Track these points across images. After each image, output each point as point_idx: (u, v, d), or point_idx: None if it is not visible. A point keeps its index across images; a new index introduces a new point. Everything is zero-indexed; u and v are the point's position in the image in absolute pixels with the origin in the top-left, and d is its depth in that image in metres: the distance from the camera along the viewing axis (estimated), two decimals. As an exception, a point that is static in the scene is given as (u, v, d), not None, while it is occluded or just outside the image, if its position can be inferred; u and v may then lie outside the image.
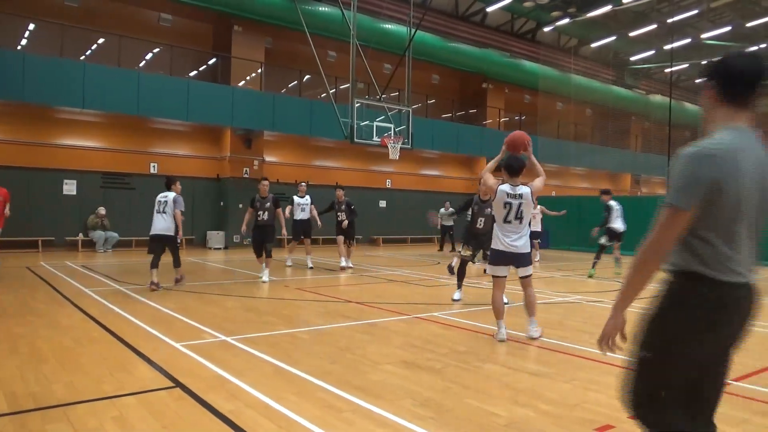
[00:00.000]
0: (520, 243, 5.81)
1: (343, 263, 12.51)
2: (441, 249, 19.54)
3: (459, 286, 8.51)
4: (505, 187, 5.78)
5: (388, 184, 23.41)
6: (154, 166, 18.08)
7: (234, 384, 4.19)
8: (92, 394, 3.92)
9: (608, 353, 2.30)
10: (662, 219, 2.05)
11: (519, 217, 5.76)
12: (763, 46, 29.58)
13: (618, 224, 11.97)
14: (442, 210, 19.63)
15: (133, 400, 3.82)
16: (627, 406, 2.22)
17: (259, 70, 19.63)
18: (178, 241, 9.13)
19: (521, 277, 6.03)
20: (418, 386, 4.25)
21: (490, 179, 6.00)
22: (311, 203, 12.79)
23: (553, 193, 26.74)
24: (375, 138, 16.26)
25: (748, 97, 2.09)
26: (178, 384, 4.17)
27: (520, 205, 5.73)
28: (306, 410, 3.68)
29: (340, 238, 12.70)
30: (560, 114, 29.57)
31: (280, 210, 10.74)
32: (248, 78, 19.60)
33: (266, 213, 10.60)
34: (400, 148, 16.40)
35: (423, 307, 7.84)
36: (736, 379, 4.57)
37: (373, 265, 13.76)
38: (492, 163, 6.15)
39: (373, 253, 18.23)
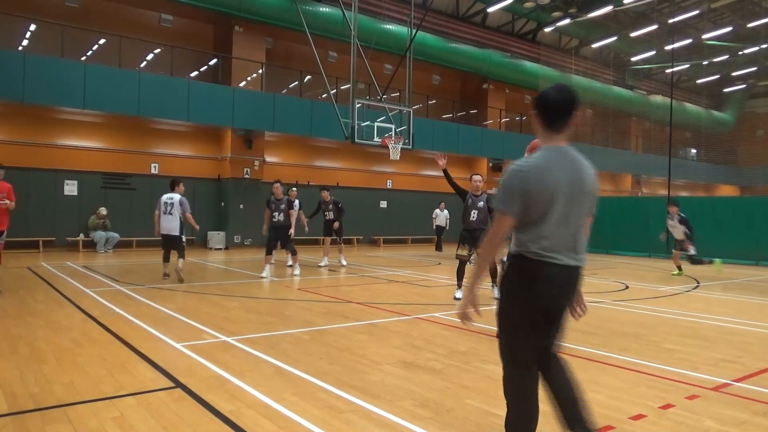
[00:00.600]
0: None
1: (324, 262, 13.20)
2: (439, 249, 19.58)
3: (459, 286, 8.64)
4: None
5: (389, 184, 23.41)
6: (155, 167, 18.10)
7: (234, 384, 4.19)
8: (92, 395, 3.92)
9: (467, 323, 2.98)
10: (495, 221, 2.77)
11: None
12: (764, 46, 29.55)
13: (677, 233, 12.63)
14: (437, 211, 19.70)
15: (133, 401, 3.82)
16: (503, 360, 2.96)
17: (260, 71, 19.64)
18: (183, 240, 10.02)
19: None
20: (418, 386, 4.25)
21: None
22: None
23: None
24: (376, 138, 16.27)
25: (561, 123, 2.77)
26: (178, 384, 4.17)
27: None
28: (306, 411, 3.68)
29: (327, 239, 13.37)
30: (561, 114, 29.52)
31: (292, 211, 11.20)
32: (249, 78, 19.61)
33: (281, 214, 11.08)
34: (401, 148, 16.40)
35: (423, 307, 7.84)
36: (737, 380, 4.57)
37: (373, 266, 13.77)
38: None
39: (374, 253, 18.22)
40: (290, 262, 12.40)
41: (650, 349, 5.62)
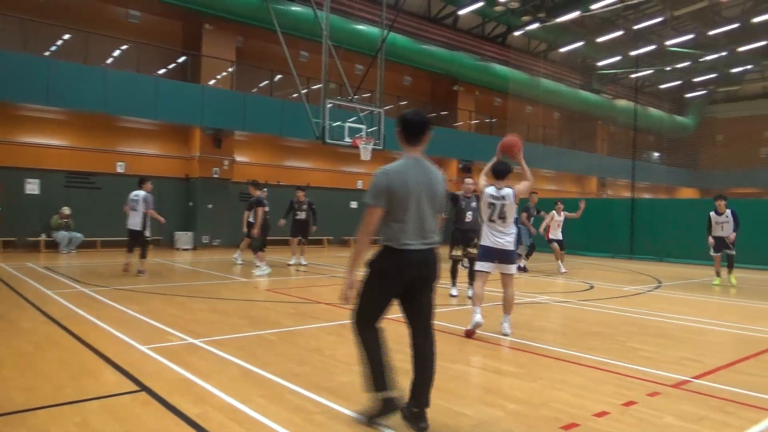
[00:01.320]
0: (506, 240, 6.13)
1: (294, 261, 13.59)
2: None
3: (453, 284, 9.13)
4: (491, 189, 6.20)
5: (360, 185, 23.40)
6: (121, 166, 17.71)
7: (201, 387, 4.14)
8: (53, 400, 3.82)
9: (348, 303, 3.49)
10: (365, 214, 3.38)
11: (502, 217, 6.13)
12: (724, 54, 30.53)
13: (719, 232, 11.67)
14: None
15: (96, 405, 3.74)
16: (351, 319, 3.55)
17: (230, 69, 19.41)
18: (147, 236, 10.59)
19: (503, 274, 6.28)
20: (388, 387, 4.25)
21: (482, 181, 6.38)
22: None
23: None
24: (347, 139, 16.23)
25: (417, 139, 3.51)
26: (143, 388, 4.10)
27: (503, 206, 6.12)
28: (274, 413, 3.65)
29: (294, 240, 13.68)
30: (529, 117, 30.00)
31: (260, 209, 11.74)
32: (219, 77, 19.36)
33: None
34: (372, 149, 16.41)
35: (394, 308, 7.85)
36: (696, 377, 4.71)
37: (343, 266, 13.75)
38: (488, 167, 6.44)
39: (344, 254, 18.18)
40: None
41: (615, 348, 5.75)
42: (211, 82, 19.06)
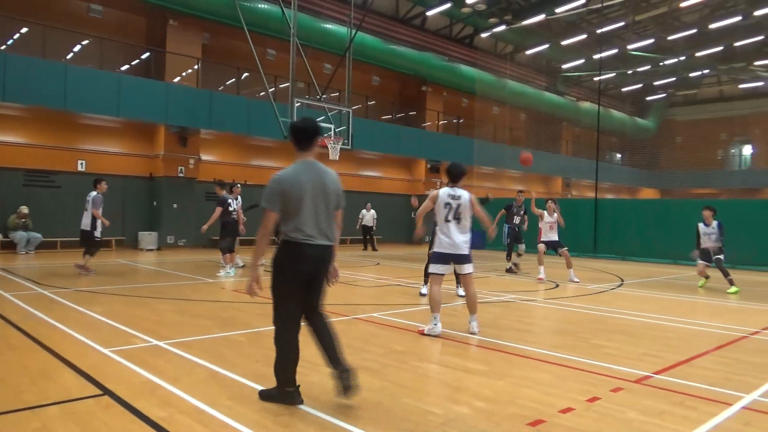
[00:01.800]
0: (461, 241, 6.16)
1: (262, 261, 13.19)
2: (365, 249, 19.92)
3: (425, 283, 9.16)
4: (446, 190, 6.27)
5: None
6: (82, 164, 17.25)
7: (166, 390, 4.06)
8: (11, 405, 3.70)
9: (253, 295, 3.86)
10: (263, 217, 3.71)
11: (458, 218, 6.16)
12: (682, 58, 31.47)
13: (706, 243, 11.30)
14: (364, 211, 20.04)
15: (56, 410, 3.63)
16: (273, 320, 3.89)
17: (196, 66, 19.10)
18: (96, 236, 10.74)
19: (461, 275, 6.34)
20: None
21: (426, 205, 6.50)
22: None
23: (489, 195, 27.38)
24: (315, 138, 16.13)
25: (308, 144, 3.87)
26: (106, 392, 3.99)
27: (458, 206, 6.16)
28: (242, 415, 3.61)
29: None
30: (496, 118, 30.36)
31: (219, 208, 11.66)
32: (184, 74, 19.03)
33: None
34: (340, 148, 16.36)
35: (362, 308, 7.86)
36: (657, 373, 4.85)
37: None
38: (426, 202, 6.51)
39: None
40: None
41: (579, 345, 5.87)
42: (176, 79, 18.72)
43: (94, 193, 10.66)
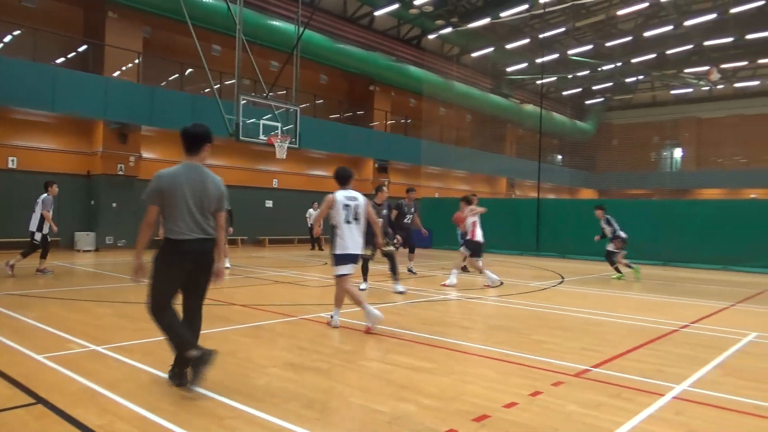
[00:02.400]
0: (361, 242, 6.51)
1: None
2: (313, 248, 19.92)
3: (365, 279, 9.62)
4: (342, 193, 6.49)
5: (275, 183, 23.03)
6: (12, 161, 16.36)
7: (105, 396, 3.92)
8: (-67, 417, 3.48)
9: (138, 282, 4.27)
10: (146, 212, 4.02)
11: (357, 218, 6.46)
12: (619, 64, 32.83)
13: (623, 233, 12.57)
14: (311, 210, 20.01)
15: (-16, 421, 3.44)
16: (147, 306, 4.11)
17: (137, 61, 18.46)
18: (36, 239, 10.58)
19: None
20: (304, 388, 4.24)
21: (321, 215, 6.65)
22: None
23: (436, 195, 27.79)
24: (261, 136, 15.91)
25: (195, 148, 4.19)
26: (39, 400, 3.81)
27: (357, 206, 6.46)
28: (185, 420, 3.53)
29: None
30: (443, 119, 30.81)
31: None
32: (124, 68, 18.35)
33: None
34: (288, 147, 16.19)
35: (310, 308, 7.82)
36: (595, 366, 5.05)
37: (258, 267, 13.48)
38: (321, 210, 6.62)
39: (259, 253, 17.83)
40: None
41: (522, 341, 6.04)
42: (116, 73, 18.04)
43: (44, 195, 10.60)
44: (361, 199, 6.54)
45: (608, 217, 12.68)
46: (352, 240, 6.39)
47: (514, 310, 8.26)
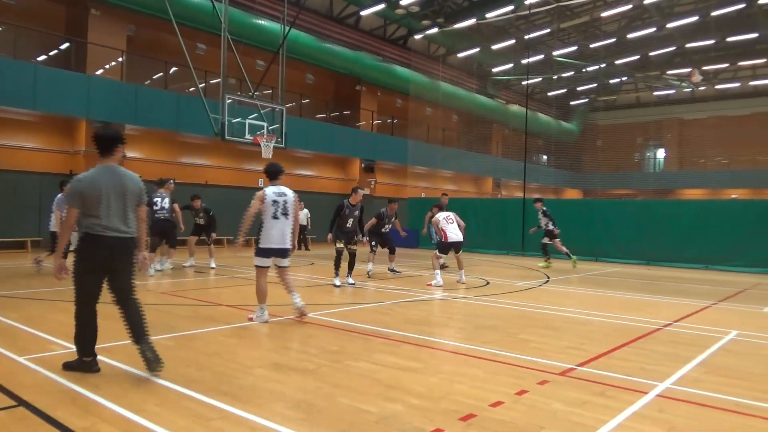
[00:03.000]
0: (288, 237, 6.67)
1: (189, 263, 12.95)
2: (299, 248, 19.83)
3: (336, 275, 9.99)
4: (272, 188, 6.65)
5: (261, 183, 22.91)
6: (-8, 159, 16.12)
7: (88, 398, 3.87)
8: None
9: (60, 280, 4.54)
10: (66, 213, 4.33)
11: (285, 213, 6.62)
12: (603, 65, 33.14)
13: (556, 228, 14.48)
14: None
15: (-36, 424, 3.38)
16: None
17: (120, 59, 18.26)
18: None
19: (280, 267, 6.88)
20: (290, 388, 4.22)
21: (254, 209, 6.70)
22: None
23: (423, 194, 27.85)
24: (247, 136, 15.82)
25: (109, 150, 4.47)
26: (21, 402, 3.76)
27: (285, 201, 6.62)
28: (170, 421, 3.49)
29: (193, 239, 13.23)
30: (429, 119, 30.87)
31: (175, 205, 11.94)
32: (107, 66, 18.15)
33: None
34: (274, 147, 16.13)
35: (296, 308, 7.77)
36: (580, 365, 5.09)
37: (244, 267, 13.40)
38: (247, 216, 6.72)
39: (246, 254, 17.71)
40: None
41: (508, 340, 6.07)
42: (99, 71, 17.84)
43: (60, 195, 10.84)
44: (290, 194, 6.71)
45: (545, 209, 14.39)
46: (278, 235, 6.56)
47: (500, 309, 8.30)
